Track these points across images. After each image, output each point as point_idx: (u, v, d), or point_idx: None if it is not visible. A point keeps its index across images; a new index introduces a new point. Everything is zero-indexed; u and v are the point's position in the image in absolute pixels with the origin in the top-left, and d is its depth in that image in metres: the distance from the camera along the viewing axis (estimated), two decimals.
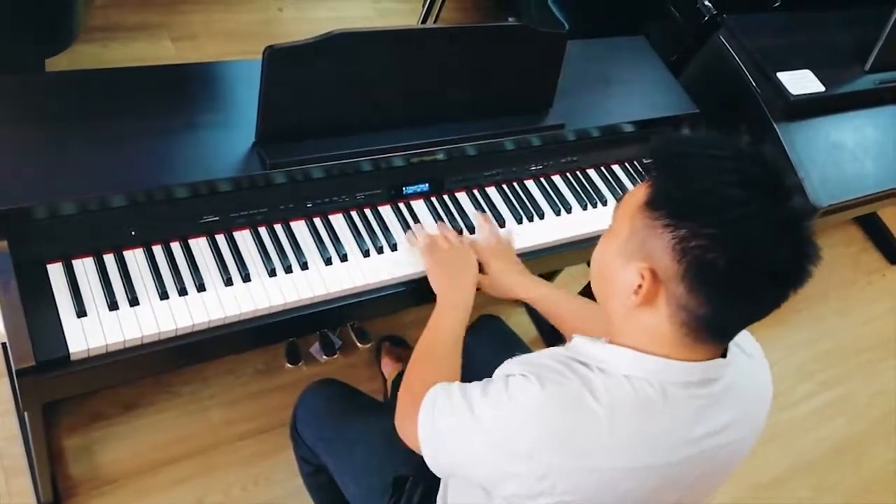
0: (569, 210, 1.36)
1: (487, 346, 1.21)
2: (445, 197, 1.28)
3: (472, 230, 1.26)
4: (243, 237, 1.11)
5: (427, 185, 1.26)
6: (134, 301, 1.00)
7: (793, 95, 1.61)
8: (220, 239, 1.10)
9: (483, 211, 1.29)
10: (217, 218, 1.10)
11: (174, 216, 1.07)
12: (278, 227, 1.14)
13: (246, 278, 1.07)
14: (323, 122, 1.13)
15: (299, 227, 1.15)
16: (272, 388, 1.66)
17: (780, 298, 0.73)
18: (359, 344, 1.65)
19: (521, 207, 1.32)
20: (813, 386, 2.19)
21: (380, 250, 1.17)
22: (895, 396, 2.25)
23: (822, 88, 1.67)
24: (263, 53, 1.02)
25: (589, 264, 1.51)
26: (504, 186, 1.34)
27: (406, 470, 1.08)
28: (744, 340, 0.85)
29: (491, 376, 0.85)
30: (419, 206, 1.25)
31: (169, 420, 1.55)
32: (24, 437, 1.41)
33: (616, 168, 1.47)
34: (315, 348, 1.62)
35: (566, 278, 2.01)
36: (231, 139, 1.11)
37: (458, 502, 0.96)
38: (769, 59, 1.66)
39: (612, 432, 0.74)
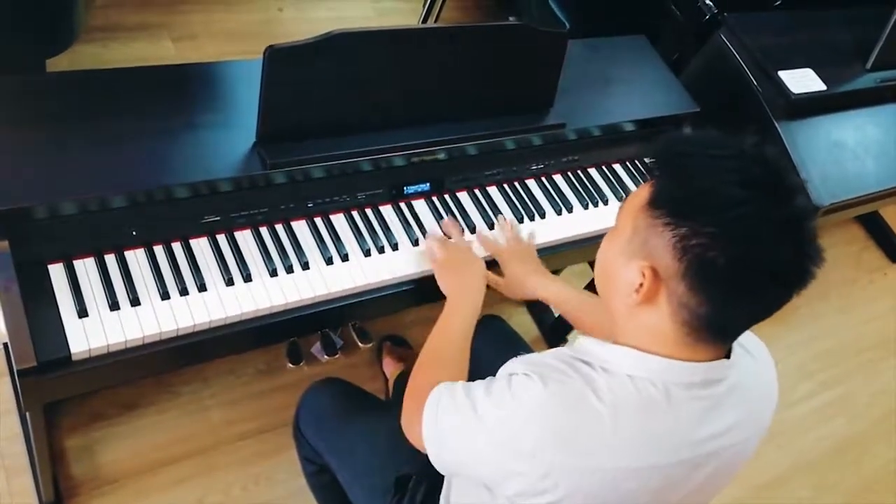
0: (570, 209, 1.36)
1: (490, 345, 1.21)
2: (446, 196, 1.28)
3: (472, 230, 1.26)
4: (244, 237, 1.11)
5: (428, 184, 1.26)
6: (135, 301, 1.00)
7: (794, 94, 1.61)
8: (222, 239, 1.10)
9: (483, 210, 1.29)
10: (218, 218, 1.10)
11: (175, 216, 1.07)
12: (279, 227, 1.14)
13: (247, 278, 1.07)
14: (323, 121, 1.12)
15: (300, 227, 1.15)
16: (273, 388, 1.66)
17: (783, 299, 0.73)
18: (360, 344, 1.65)
19: (522, 207, 1.32)
20: (813, 385, 2.19)
21: (381, 250, 1.17)
22: None
23: (823, 87, 1.67)
24: (264, 53, 1.02)
25: (590, 263, 1.52)
26: (505, 186, 1.34)
27: (409, 469, 1.08)
28: (747, 341, 0.85)
29: (493, 376, 0.85)
30: (420, 205, 1.25)
31: (170, 420, 1.55)
32: (26, 436, 1.41)
33: (617, 167, 1.47)
34: (316, 348, 1.62)
35: (567, 277, 2.01)
36: (231, 139, 1.11)
37: (461, 502, 0.96)
38: (770, 57, 1.66)
39: (616, 432, 0.74)
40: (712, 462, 0.80)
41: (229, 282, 1.06)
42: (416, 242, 1.20)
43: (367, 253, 1.16)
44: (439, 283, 1.11)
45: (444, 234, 1.22)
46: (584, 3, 2.16)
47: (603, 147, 1.45)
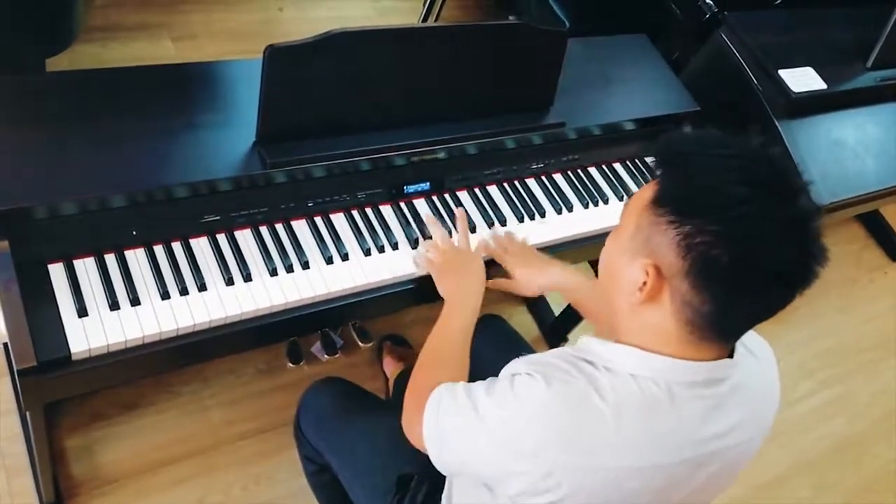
0: (570, 208, 1.36)
1: (490, 345, 1.20)
2: (446, 196, 1.28)
3: (473, 229, 1.25)
4: (244, 236, 1.11)
5: (428, 184, 1.26)
6: (135, 301, 1.00)
7: (794, 93, 1.61)
8: (222, 238, 1.10)
9: (484, 210, 1.28)
10: (218, 217, 1.10)
11: (175, 216, 1.07)
12: (279, 227, 1.14)
13: (247, 278, 1.07)
14: (323, 121, 1.12)
15: (300, 227, 1.15)
16: (273, 388, 1.66)
17: (787, 298, 0.73)
18: (360, 343, 1.65)
19: (522, 206, 1.32)
20: (813, 384, 2.18)
21: (381, 249, 1.17)
22: None
23: (823, 86, 1.67)
24: (264, 53, 1.02)
25: (591, 263, 1.52)
26: (505, 185, 1.34)
27: (410, 468, 1.08)
28: (750, 340, 0.85)
29: (494, 376, 0.85)
30: (420, 205, 1.25)
31: (169, 420, 1.55)
32: (26, 436, 1.41)
33: (617, 166, 1.47)
34: (316, 347, 1.62)
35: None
36: (231, 139, 1.11)
37: (462, 501, 0.96)
38: (770, 56, 1.66)
39: (619, 431, 0.73)
40: (715, 461, 0.80)
41: (229, 281, 1.06)
42: (415, 242, 1.20)
43: (368, 252, 1.16)
44: (437, 285, 1.11)
45: (452, 224, 1.22)
46: (584, 1, 2.16)
47: (603, 146, 1.45)
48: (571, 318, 1.91)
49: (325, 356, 1.59)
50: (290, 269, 1.10)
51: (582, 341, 0.82)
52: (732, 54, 1.67)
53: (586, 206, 1.38)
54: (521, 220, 1.30)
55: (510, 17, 2.23)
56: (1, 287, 0.92)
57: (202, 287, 1.04)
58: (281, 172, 1.12)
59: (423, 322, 1.86)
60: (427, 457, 0.88)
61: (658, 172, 0.78)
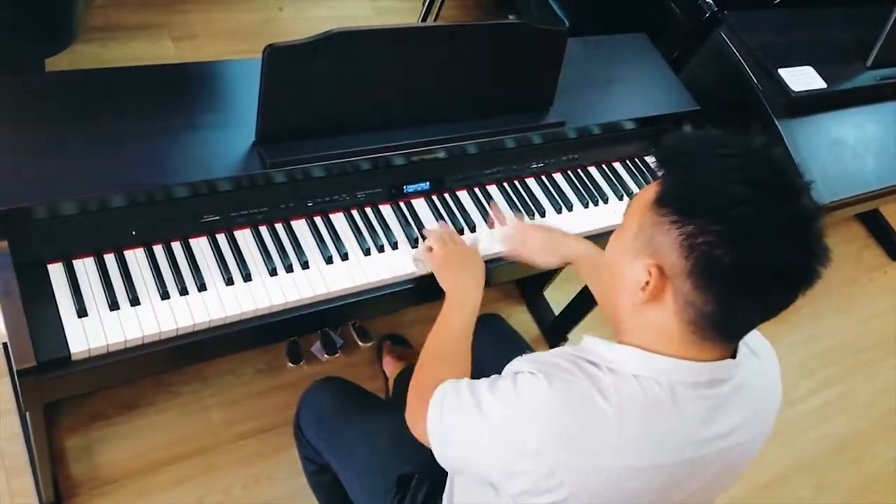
0: (570, 208, 1.36)
1: (490, 344, 1.20)
2: (446, 195, 1.28)
3: (473, 229, 1.25)
4: (244, 236, 1.11)
5: (428, 183, 1.26)
6: (135, 301, 1.00)
7: (794, 92, 1.61)
8: (221, 238, 1.10)
9: (483, 209, 1.28)
10: (218, 217, 1.10)
11: (175, 216, 1.07)
12: (279, 227, 1.14)
13: (247, 277, 1.07)
14: (323, 120, 1.12)
15: (300, 226, 1.15)
16: (273, 388, 1.66)
17: (789, 298, 0.73)
18: (360, 343, 1.65)
19: (522, 205, 1.32)
20: (813, 384, 2.19)
21: (381, 249, 1.17)
22: None
23: (823, 85, 1.66)
24: (263, 52, 1.02)
25: None
26: (505, 184, 1.34)
27: (411, 468, 1.08)
28: (753, 340, 0.85)
29: (494, 375, 0.85)
30: (420, 204, 1.25)
31: (169, 420, 1.55)
32: (26, 436, 1.41)
33: (617, 165, 1.47)
34: (316, 347, 1.62)
35: (567, 275, 2.01)
36: (231, 138, 1.11)
37: (464, 501, 0.95)
38: (770, 55, 1.66)
39: (621, 431, 0.73)
40: (717, 462, 0.80)
41: (229, 281, 1.06)
42: (415, 242, 1.20)
43: (367, 252, 1.16)
44: (439, 279, 1.11)
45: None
46: (583, 1, 2.16)
47: (603, 145, 1.45)
48: (571, 317, 1.91)
49: (325, 356, 1.59)
50: (289, 268, 1.10)
51: (584, 341, 0.82)
52: (732, 53, 1.67)
53: (586, 206, 1.38)
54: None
55: (510, 17, 2.23)
56: (1, 287, 0.92)
57: (202, 287, 1.04)
58: (280, 172, 1.12)
59: (423, 322, 1.87)
60: (427, 456, 0.88)
61: (660, 173, 0.78)
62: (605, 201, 1.40)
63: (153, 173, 1.04)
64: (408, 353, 1.76)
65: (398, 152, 1.20)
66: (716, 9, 1.73)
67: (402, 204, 1.24)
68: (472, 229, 1.25)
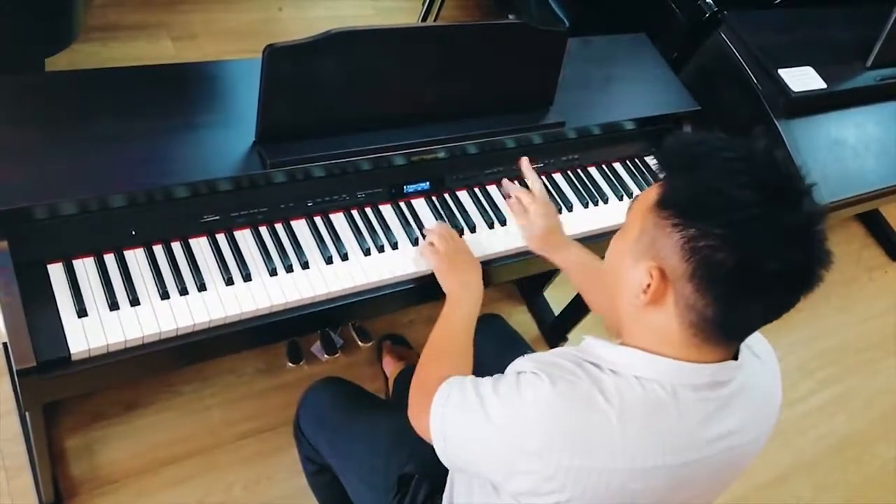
0: (570, 208, 1.36)
1: (490, 345, 1.21)
2: (446, 195, 1.28)
3: (473, 229, 1.25)
4: (244, 236, 1.11)
5: (428, 183, 1.26)
6: (135, 301, 1.00)
7: (794, 92, 1.61)
8: (221, 238, 1.10)
9: (483, 209, 1.28)
10: (218, 217, 1.10)
11: (175, 216, 1.07)
12: (279, 227, 1.14)
13: (247, 278, 1.07)
14: (323, 120, 1.12)
15: (300, 226, 1.15)
16: (273, 388, 1.66)
17: (790, 302, 0.73)
18: (360, 343, 1.66)
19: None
20: (813, 384, 2.19)
21: (381, 249, 1.17)
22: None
23: (823, 85, 1.66)
24: (263, 52, 1.02)
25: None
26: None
27: (411, 468, 1.08)
28: (755, 342, 0.85)
29: (494, 375, 0.85)
30: (420, 204, 1.25)
31: (170, 420, 1.55)
32: (26, 436, 1.41)
33: (617, 166, 1.47)
34: (316, 347, 1.62)
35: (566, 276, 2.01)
36: (231, 138, 1.11)
37: (464, 501, 0.96)
38: (770, 55, 1.66)
39: (623, 433, 0.74)
40: (719, 462, 0.80)
41: (229, 281, 1.06)
42: (415, 241, 1.20)
43: (367, 252, 1.16)
44: (440, 279, 1.11)
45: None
46: (583, 1, 2.16)
47: (603, 146, 1.45)
48: (571, 317, 1.91)
49: (325, 356, 1.59)
50: (289, 269, 1.10)
51: (585, 342, 0.82)
52: (732, 54, 1.67)
53: (586, 206, 1.38)
54: None
55: (510, 17, 2.24)
56: (1, 287, 0.92)
57: (202, 287, 1.04)
58: (280, 172, 1.12)
59: (423, 321, 1.87)
60: (427, 456, 0.88)
61: (662, 175, 0.78)
62: (605, 201, 1.40)
63: (153, 173, 1.04)
64: (408, 353, 1.76)
65: (398, 152, 1.20)
66: (715, 9, 1.73)
67: (402, 204, 1.24)
68: (472, 229, 1.25)
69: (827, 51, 1.75)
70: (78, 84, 1.14)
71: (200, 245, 1.08)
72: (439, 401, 0.86)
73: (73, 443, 1.47)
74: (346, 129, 1.15)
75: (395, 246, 1.18)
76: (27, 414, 1.14)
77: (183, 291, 1.03)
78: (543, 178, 1.38)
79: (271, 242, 1.12)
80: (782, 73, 1.63)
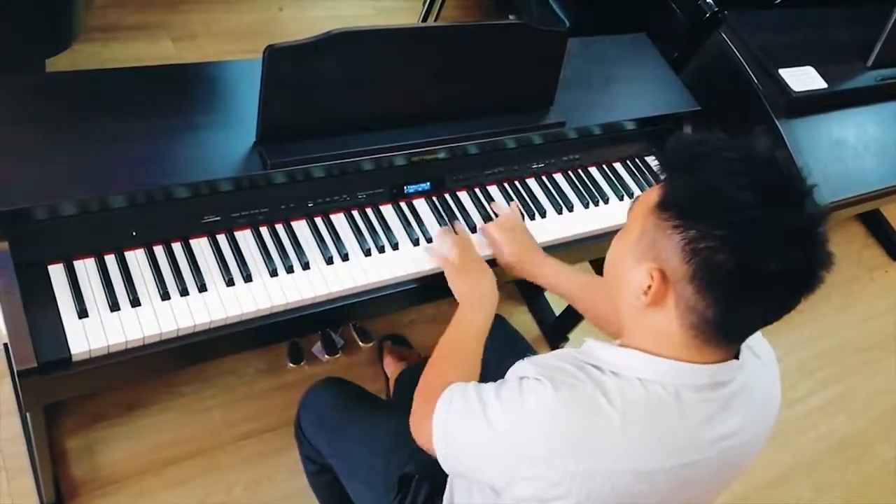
0: (570, 208, 1.36)
1: (491, 345, 1.21)
2: (447, 196, 1.28)
3: (473, 229, 1.25)
4: (244, 237, 1.11)
5: (428, 183, 1.26)
6: (135, 301, 1.00)
7: (795, 92, 1.61)
8: (222, 239, 1.10)
9: (484, 209, 1.28)
10: (218, 218, 1.10)
11: (175, 216, 1.07)
12: (279, 227, 1.14)
13: (247, 278, 1.07)
14: (324, 121, 1.12)
15: (300, 227, 1.15)
16: (274, 388, 1.66)
17: (791, 303, 0.73)
18: (361, 343, 1.65)
19: (522, 206, 1.32)
20: (813, 384, 2.18)
21: (381, 249, 1.17)
22: None
23: (824, 85, 1.66)
24: (264, 53, 1.02)
25: (592, 263, 1.52)
26: (505, 185, 1.34)
27: (411, 468, 1.08)
28: (755, 343, 0.85)
29: (496, 375, 0.85)
30: (420, 204, 1.25)
31: (171, 420, 1.55)
32: (27, 437, 1.41)
33: (618, 166, 1.47)
34: (317, 348, 1.62)
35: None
36: (232, 139, 1.11)
37: (464, 502, 0.95)
38: (771, 55, 1.66)
39: (627, 435, 0.73)
40: (721, 462, 0.80)
41: (230, 282, 1.06)
42: (416, 242, 1.20)
43: (368, 252, 1.16)
44: (452, 286, 1.11)
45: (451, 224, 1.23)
46: (584, 1, 2.16)
47: (603, 146, 1.45)
48: (572, 317, 1.91)
49: (326, 356, 1.59)
50: (290, 269, 1.10)
51: (586, 345, 0.82)
52: (733, 53, 1.67)
53: (587, 206, 1.37)
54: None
55: (510, 17, 2.24)
56: (1, 288, 0.92)
57: (202, 288, 1.04)
58: (281, 173, 1.12)
59: (424, 322, 1.87)
60: (428, 457, 0.88)
61: (663, 176, 0.78)
62: (606, 202, 1.40)
63: (154, 174, 1.04)
64: (408, 353, 1.76)
65: (399, 152, 1.20)
66: (716, 9, 1.73)
67: (402, 204, 1.24)
68: (473, 230, 1.25)
69: (828, 51, 1.75)
70: (78, 84, 1.14)
71: (201, 245, 1.08)
72: (442, 406, 0.86)
73: (74, 443, 1.47)
74: (346, 129, 1.15)
75: (395, 246, 1.18)
76: (28, 415, 1.14)
77: (184, 292, 1.03)
78: (544, 178, 1.38)
79: (272, 243, 1.12)
80: (783, 72, 1.63)
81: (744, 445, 0.82)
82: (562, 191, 1.37)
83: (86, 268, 1.01)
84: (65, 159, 1.01)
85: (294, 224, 1.15)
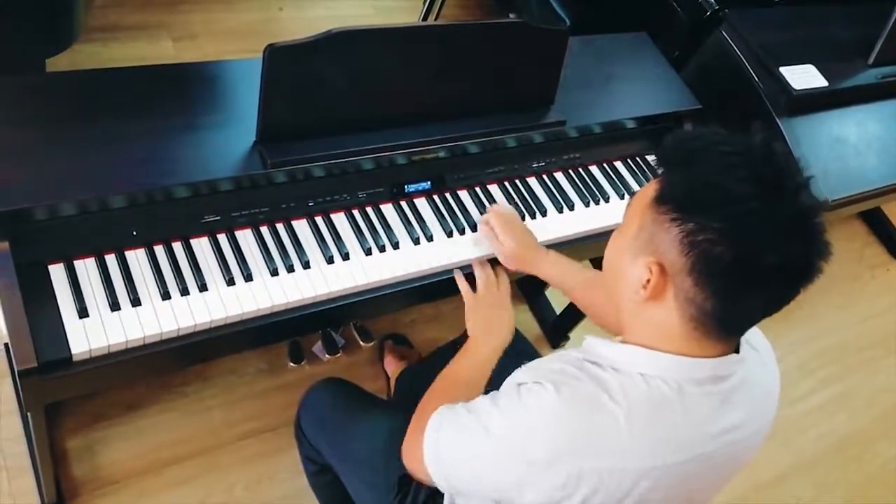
0: (571, 207, 1.35)
1: None
2: (447, 195, 1.28)
3: (474, 228, 1.25)
4: (245, 236, 1.11)
5: (429, 182, 1.26)
6: (136, 301, 1.00)
7: (795, 90, 1.61)
8: (222, 238, 1.09)
9: (484, 208, 1.28)
10: (219, 217, 1.10)
11: (176, 216, 1.07)
12: (280, 226, 1.14)
13: (248, 278, 1.07)
14: (324, 120, 1.12)
15: (301, 226, 1.15)
16: (275, 388, 1.66)
17: (790, 294, 0.73)
18: (361, 343, 1.66)
19: (523, 204, 1.32)
20: (814, 383, 2.18)
21: (382, 249, 1.17)
22: None
23: (824, 83, 1.66)
24: (264, 52, 1.01)
25: (592, 261, 1.52)
26: (506, 184, 1.34)
27: None
28: (752, 336, 0.85)
29: (495, 376, 0.85)
30: (421, 203, 1.25)
31: (171, 420, 1.55)
32: (27, 437, 1.41)
33: (618, 164, 1.46)
34: (318, 347, 1.62)
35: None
36: (232, 138, 1.11)
37: (465, 502, 0.95)
38: (771, 53, 1.65)
39: (631, 432, 0.73)
40: (724, 456, 0.81)
41: (230, 281, 1.06)
42: (417, 241, 1.20)
43: (369, 252, 1.16)
44: (466, 318, 1.11)
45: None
46: (584, 0, 2.15)
47: (604, 144, 1.45)
48: (573, 316, 1.91)
49: (327, 356, 1.59)
50: (290, 268, 1.10)
51: (586, 342, 0.82)
52: (733, 52, 1.67)
53: (587, 205, 1.37)
54: (522, 218, 1.30)
55: (511, 16, 2.23)
56: (1, 288, 0.92)
57: (203, 287, 1.04)
58: (281, 172, 1.11)
59: (425, 321, 1.87)
60: None
61: (660, 170, 0.78)
62: (607, 200, 1.39)
63: (154, 173, 1.04)
64: (409, 352, 1.76)
65: (399, 152, 1.20)
66: (717, 7, 1.72)
67: (403, 203, 1.24)
68: (474, 229, 1.25)
69: (828, 49, 1.75)
70: (78, 84, 1.14)
71: (201, 245, 1.08)
72: (433, 425, 0.86)
73: (75, 443, 1.47)
74: (346, 128, 1.15)
75: (396, 245, 1.18)
76: (29, 414, 1.14)
77: (184, 291, 1.03)
78: (545, 176, 1.38)
79: (272, 242, 1.11)
80: (784, 71, 1.63)
81: (746, 439, 0.82)
82: (563, 189, 1.37)
83: (86, 267, 1.00)
84: (65, 159, 1.01)
85: (294, 223, 1.15)
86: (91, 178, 1.01)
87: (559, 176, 1.39)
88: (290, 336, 1.48)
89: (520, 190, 1.34)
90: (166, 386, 1.59)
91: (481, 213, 1.28)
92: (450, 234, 1.23)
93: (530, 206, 1.32)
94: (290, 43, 1.02)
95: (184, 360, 1.12)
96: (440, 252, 1.20)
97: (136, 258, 1.04)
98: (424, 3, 2.37)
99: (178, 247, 1.07)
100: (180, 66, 1.37)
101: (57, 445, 1.45)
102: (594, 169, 1.43)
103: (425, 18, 2.38)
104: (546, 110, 1.34)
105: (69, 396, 1.12)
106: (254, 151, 1.10)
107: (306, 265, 1.11)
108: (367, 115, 1.16)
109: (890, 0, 1.71)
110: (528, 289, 2.05)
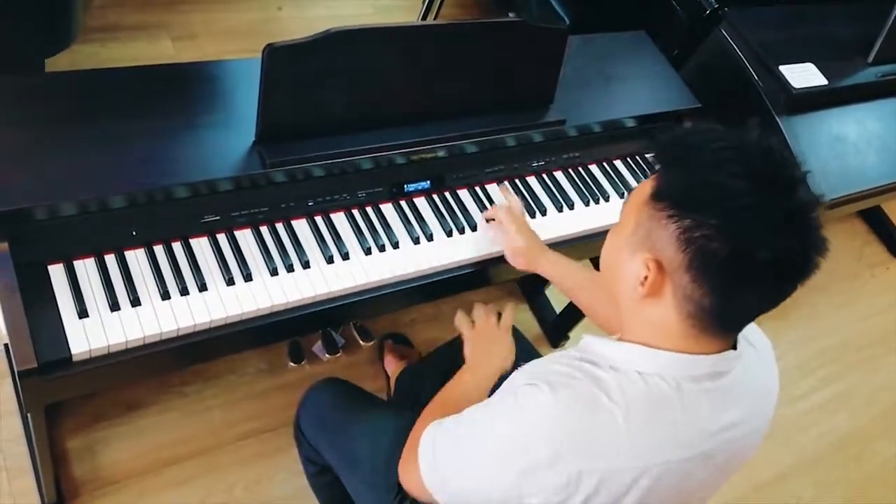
0: (571, 206, 1.35)
1: None
2: (447, 194, 1.28)
3: (474, 228, 1.25)
4: (245, 236, 1.11)
5: (428, 182, 1.26)
6: (135, 301, 1.00)
7: (795, 89, 1.61)
8: (222, 238, 1.09)
9: (484, 208, 1.28)
10: (218, 217, 1.10)
11: (175, 216, 1.07)
12: (280, 226, 1.14)
13: (248, 277, 1.07)
14: (323, 120, 1.12)
15: (301, 226, 1.15)
16: (275, 388, 1.66)
17: (787, 290, 0.73)
18: (361, 342, 1.66)
19: (523, 204, 1.32)
20: (814, 382, 2.18)
21: (381, 248, 1.17)
22: None
23: (824, 81, 1.66)
24: (263, 52, 1.01)
25: (592, 260, 1.52)
26: (506, 183, 1.34)
27: None
28: (749, 332, 0.85)
29: (485, 399, 0.84)
30: (421, 203, 1.25)
31: (171, 420, 1.55)
32: (28, 437, 1.41)
33: (618, 163, 1.46)
34: (318, 347, 1.62)
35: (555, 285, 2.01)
36: (231, 138, 1.11)
37: None
38: (771, 52, 1.65)
39: (630, 431, 0.73)
40: (724, 453, 0.80)
41: (230, 281, 1.06)
42: (417, 240, 1.20)
43: (368, 251, 1.16)
44: (466, 347, 1.11)
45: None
46: None
47: (604, 143, 1.45)
48: (573, 316, 1.91)
49: (327, 355, 1.59)
50: (290, 268, 1.10)
51: (584, 341, 0.82)
52: (733, 50, 1.67)
53: (587, 204, 1.37)
54: None
55: (510, 15, 2.23)
56: (1, 288, 0.92)
57: (203, 287, 1.04)
58: (281, 172, 1.11)
59: (425, 320, 1.87)
60: None
61: (657, 167, 0.78)
62: (607, 199, 1.39)
63: (153, 173, 1.04)
64: (409, 352, 1.76)
65: (398, 151, 1.20)
66: (716, 6, 1.73)
67: (402, 203, 1.24)
68: (474, 228, 1.25)
69: (828, 47, 1.75)
70: (78, 84, 1.14)
71: (201, 245, 1.08)
72: (426, 443, 0.86)
73: (75, 443, 1.47)
74: (346, 128, 1.15)
75: (396, 245, 1.18)
76: (29, 415, 1.14)
77: (184, 291, 1.03)
78: (544, 175, 1.38)
79: (272, 242, 1.11)
80: (783, 69, 1.63)
81: (745, 437, 0.82)
82: (562, 189, 1.37)
83: (86, 268, 1.00)
84: (64, 159, 1.01)
85: (294, 223, 1.15)
86: (91, 178, 1.01)
87: (559, 175, 1.39)
88: (290, 336, 1.48)
89: (519, 189, 1.34)
90: (166, 386, 1.59)
91: (481, 212, 1.28)
92: (449, 234, 1.23)
93: (530, 205, 1.32)
94: (290, 42, 1.02)
95: (184, 360, 1.12)
96: (440, 251, 1.20)
97: (136, 258, 1.04)
98: (423, 3, 2.37)
99: (177, 247, 1.06)
100: (180, 66, 1.37)
101: (57, 446, 1.45)
102: (594, 168, 1.43)
103: (424, 18, 2.38)
104: (545, 109, 1.34)
105: (69, 397, 1.12)
106: (253, 151, 1.10)
107: (306, 265, 1.11)
108: (366, 115, 1.16)
109: None
110: (528, 288, 2.05)
